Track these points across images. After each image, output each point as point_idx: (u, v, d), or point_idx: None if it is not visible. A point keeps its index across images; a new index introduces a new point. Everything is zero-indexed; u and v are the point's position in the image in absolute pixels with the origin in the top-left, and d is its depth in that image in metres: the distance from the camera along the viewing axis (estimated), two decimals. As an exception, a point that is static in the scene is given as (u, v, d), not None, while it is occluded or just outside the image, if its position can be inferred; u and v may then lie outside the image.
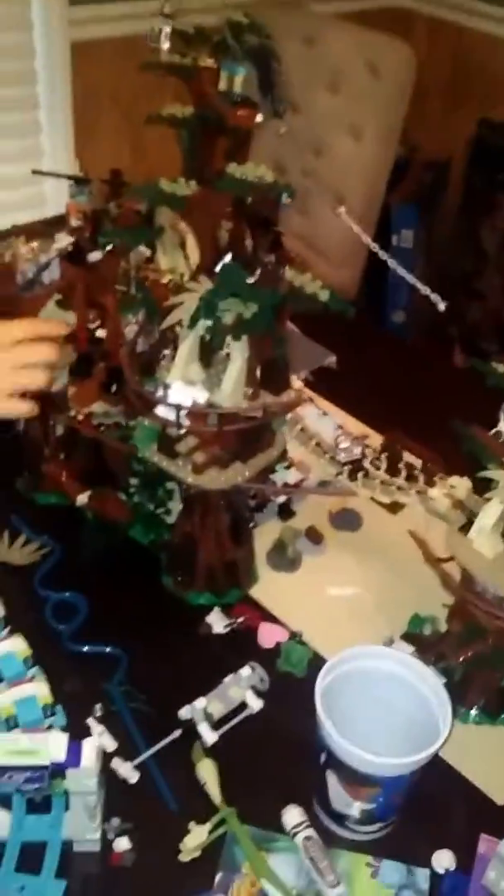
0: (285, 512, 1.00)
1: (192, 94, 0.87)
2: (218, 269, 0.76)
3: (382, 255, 0.89)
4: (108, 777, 0.71)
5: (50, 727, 0.72)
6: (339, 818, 0.73)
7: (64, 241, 1.10)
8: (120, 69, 2.06)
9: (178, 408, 0.77)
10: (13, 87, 2.04)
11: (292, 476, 0.96)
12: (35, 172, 1.87)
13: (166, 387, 0.78)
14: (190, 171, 0.83)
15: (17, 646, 0.77)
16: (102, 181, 1.12)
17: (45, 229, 1.24)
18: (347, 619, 0.90)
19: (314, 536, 0.98)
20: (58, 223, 1.18)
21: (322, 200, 1.72)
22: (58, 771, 0.65)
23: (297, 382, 0.85)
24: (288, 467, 0.96)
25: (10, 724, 0.71)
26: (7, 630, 0.81)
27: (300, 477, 0.97)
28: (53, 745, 0.64)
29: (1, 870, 0.66)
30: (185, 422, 0.78)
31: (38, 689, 0.74)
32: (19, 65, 2.03)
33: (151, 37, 0.87)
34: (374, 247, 0.93)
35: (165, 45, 0.86)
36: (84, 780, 0.65)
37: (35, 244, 0.90)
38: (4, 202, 2.01)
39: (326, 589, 0.94)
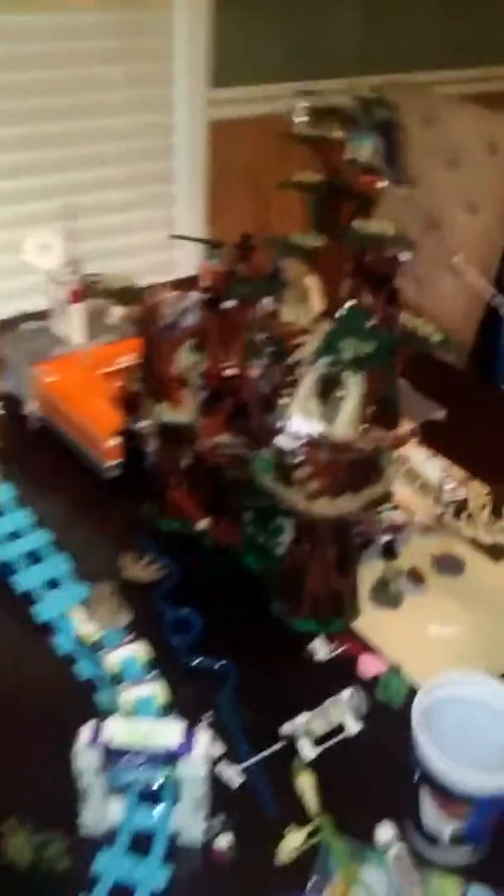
0: (389, 552, 1.04)
1: (321, 162, 0.97)
2: (339, 313, 0.84)
3: (497, 301, 0.95)
4: (212, 781, 0.76)
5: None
6: (431, 839, 0.76)
7: (197, 296, 1.20)
8: (252, 147, 2.21)
9: (295, 437, 0.84)
10: (153, 161, 2.21)
11: (398, 517, 1.01)
12: (172, 237, 2.02)
13: (286, 420, 0.85)
14: (317, 230, 0.92)
15: (139, 650, 0.85)
16: (234, 246, 1.23)
17: (178, 287, 1.36)
18: (447, 656, 0.93)
19: (416, 577, 1.02)
20: (191, 283, 1.29)
21: (436, 270, 1.79)
22: (171, 758, 0.70)
23: (406, 424, 0.91)
24: (394, 508, 1.01)
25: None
26: (132, 636, 0.88)
27: (405, 518, 1.02)
28: (170, 731, 0.70)
29: (114, 849, 0.72)
30: (301, 451, 0.85)
31: (157, 690, 0.80)
32: (160, 141, 2.20)
33: (288, 112, 0.97)
34: (491, 294, 0.98)
35: (300, 119, 0.96)
36: (195, 769, 0.70)
37: (177, 293, 1.00)
38: (139, 267, 2.16)
39: (427, 627, 0.97)
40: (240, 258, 1.21)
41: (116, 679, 0.84)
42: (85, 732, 0.70)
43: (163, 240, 2.21)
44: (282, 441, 0.87)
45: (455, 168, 1.84)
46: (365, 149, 0.94)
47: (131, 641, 0.87)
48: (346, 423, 0.83)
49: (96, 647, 0.89)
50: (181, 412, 0.98)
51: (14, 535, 1.00)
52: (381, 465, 0.88)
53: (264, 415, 0.90)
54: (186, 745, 0.70)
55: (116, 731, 0.70)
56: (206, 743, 0.70)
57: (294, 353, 0.85)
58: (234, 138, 2.22)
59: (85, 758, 0.69)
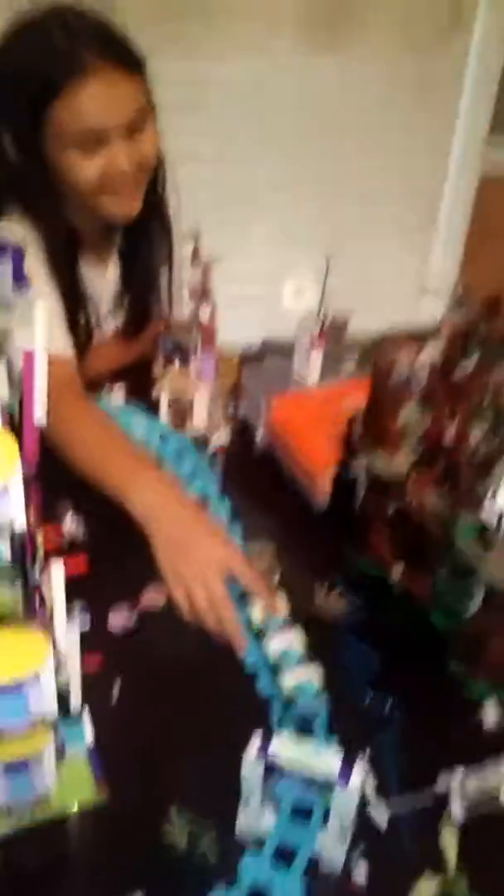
0: None
1: None
2: None
3: None
4: (360, 814, 0.81)
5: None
6: None
7: (435, 349, 1.25)
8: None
9: (502, 513, 0.88)
10: (420, 207, 2.27)
11: None
12: (424, 291, 2.08)
13: (496, 491, 0.89)
14: None
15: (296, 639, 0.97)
16: (482, 303, 1.26)
17: (418, 338, 1.41)
18: None
19: None
20: (431, 333, 1.34)
21: None
22: (328, 784, 0.76)
23: None
24: None
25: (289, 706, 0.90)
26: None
27: None
28: (331, 760, 0.76)
29: (260, 855, 0.78)
30: (504, 524, 0.88)
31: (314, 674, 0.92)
32: (430, 187, 2.25)
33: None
34: None
35: None
36: (348, 800, 0.75)
37: (413, 351, 1.05)
38: (385, 308, 2.23)
39: None
40: (484, 317, 1.24)
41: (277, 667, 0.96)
42: (255, 743, 0.77)
43: (412, 285, 2.28)
44: (489, 510, 0.90)
45: None
46: None
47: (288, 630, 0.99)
48: (553, 506, 0.85)
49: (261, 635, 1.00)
50: (396, 463, 1.03)
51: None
52: None
53: (476, 480, 0.93)
54: (344, 776, 0.75)
55: (283, 748, 0.77)
56: (362, 777, 0.75)
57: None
58: (499, 197, 2.24)
59: (251, 767, 0.76)
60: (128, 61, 1.21)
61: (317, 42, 1.97)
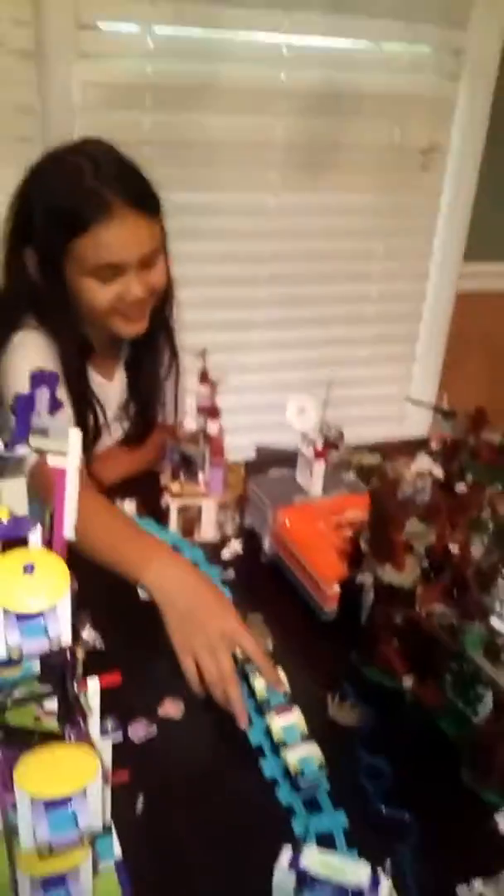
0: None
1: None
2: None
3: None
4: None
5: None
6: None
7: (425, 461, 1.31)
8: (495, 321, 2.34)
9: (508, 623, 0.93)
10: (400, 324, 2.39)
11: None
12: (410, 401, 2.17)
13: (502, 602, 0.94)
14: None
15: (298, 719, 1.02)
16: (466, 416, 1.34)
17: (406, 448, 1.48)
18: None
19: None
20: (419, 445, 1.41)
21: None
22: (357, 894, 0.78)
23: None
24: None
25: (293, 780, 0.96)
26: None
27: None
28: (360, 871, 0.78)
29: None
30: (513, 636, 0.93)
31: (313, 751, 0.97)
32: (409, 308, 2.39)
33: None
34: None
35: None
36: (377, 910, 0.78)
37: (415, 470, 1.12)
38: (372, 416, 2.32)
39: None
40: (471, 429, 1.32)
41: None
42: (285, 855, 0.79)
43: (397, 394, 2.37)
44: (495, 620, 0.95)
45: None
46: None
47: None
48: None
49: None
50: (403, 575, 1.08)
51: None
52: None
53: (480, 591, 0.99)
54: (373, 888, 0.77)
55: (312, 860, 0.79)
56: (389, 889, 0.78)
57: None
58: (477, 310, 2.36)
59: (283, 878, 0.79)
60: (149, 204, 1.32)
61: (303, 181, 2.12)
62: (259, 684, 1.07)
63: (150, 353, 1.54)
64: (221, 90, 1.96)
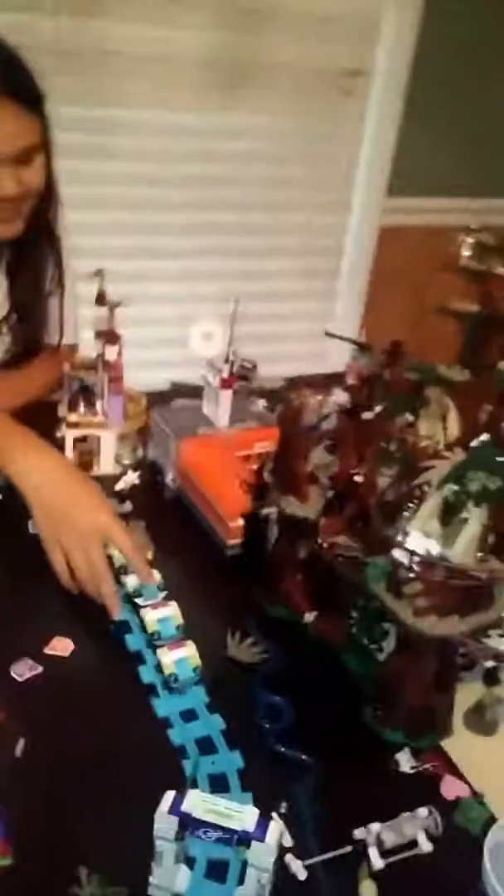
0: (491, 678, 1.05)
1: (480, 295, 1.02)
2: (473, 443, 0.88)
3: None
4: (277, 870, 0.78)
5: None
6: None
7: (341, 395, 1.26)
8: (416, 256, 2.29)
9: (412, 554, 0.88)
10: (323, 258, 2.32)
11: (504, 645, 1.02)
12: (328, 334, 2.11)
13: (405, 534, 0.89)
14: (466, 360, 0.96)
15: (174, 612, 1.02)
16: (383, 350, 1.29)
17: (325, 382, 1.43)
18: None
19: (515, 709, 1.02)
20: (337, 379, 1.36)
21: None
22: (243, 840, 0.73)
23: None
24: (502, 636, 1.02)
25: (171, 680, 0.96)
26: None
27: (512, 648, 1.03)
28: (246, 816, 0.73)
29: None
30: (416, 568, 0.88)
31: (190, 651, 0.97)
32: (332, 241, 2.32)
33: (455, 244, 1.03)
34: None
35: (466, 253, 1.02)
36: (264, 856, 0.73)
37: (320, 397, 1.06)
38: (294, 353, 2.26)
39: (517, 760, 0.97)
40: (387, 364, 1.26)
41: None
42: (166, 800, 0.74)
43: (318, 330, 2.31)
44: (398, 553, 0.90)
45: None
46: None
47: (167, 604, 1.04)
48: (463, 549, 0.86)
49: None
50: (306, 507, 1.03)
51: (134, 595, 1.07)
52: (492, 594, 0.90)
53: (385, 524, 0.94)
54: (260, 832, 0.73)
55: (195, 804, 0.74)
56: (278, 833, 0.73)
57: (423, 474, 0.89)
58: (400, 245, 2.31)
59: (163, 824, 0.73)
60: (27, 97, 1.21)
61: (218, 100, 2.02)
62: (131, 581, 1.06)
63: (32, 259, 1.43)
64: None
